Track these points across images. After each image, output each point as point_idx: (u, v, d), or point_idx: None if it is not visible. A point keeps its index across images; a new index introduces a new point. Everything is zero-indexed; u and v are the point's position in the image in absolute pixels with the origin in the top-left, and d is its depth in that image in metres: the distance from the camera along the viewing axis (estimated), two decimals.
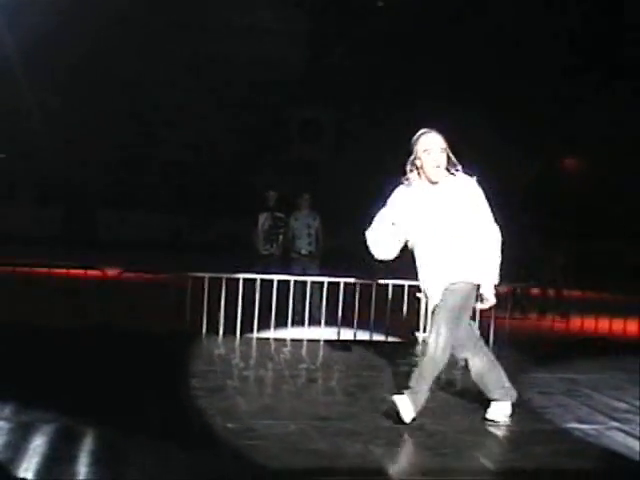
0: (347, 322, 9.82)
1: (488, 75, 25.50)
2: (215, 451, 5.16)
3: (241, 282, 9.50)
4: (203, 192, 27.83)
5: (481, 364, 6.08)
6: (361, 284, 9.86)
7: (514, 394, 6.17)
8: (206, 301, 9.42)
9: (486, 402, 6.17)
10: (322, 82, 26.75)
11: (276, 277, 9.71)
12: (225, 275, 9.55)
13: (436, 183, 5.88)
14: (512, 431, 5.95)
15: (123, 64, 26.01)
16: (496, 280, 5.89)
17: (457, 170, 5.91)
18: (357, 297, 9.81)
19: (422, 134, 5.92)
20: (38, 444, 4.95)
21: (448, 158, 5.88)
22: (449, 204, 5.82)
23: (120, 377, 7.12)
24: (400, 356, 8.86)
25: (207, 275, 9.55)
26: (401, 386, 7.28)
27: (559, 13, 25.42)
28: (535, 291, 14.82)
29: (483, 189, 5.96)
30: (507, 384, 6.15)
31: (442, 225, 5.83)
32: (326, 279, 9.97)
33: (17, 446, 4.88)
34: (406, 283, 9.78)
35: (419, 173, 5.93)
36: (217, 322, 9.40)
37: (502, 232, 5.90)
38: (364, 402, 6.53)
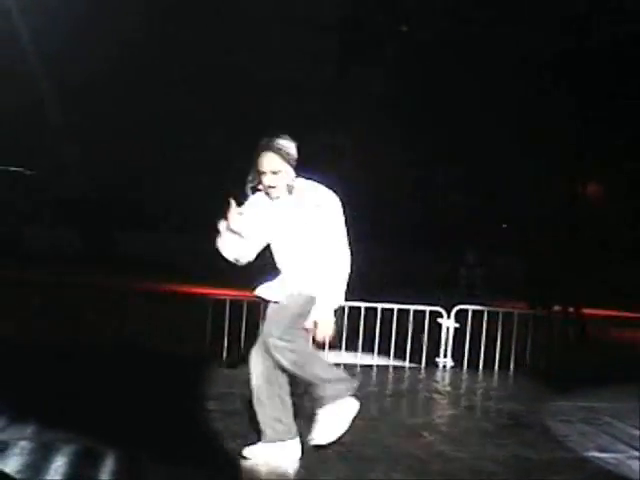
0: (367, 347, 9.80)
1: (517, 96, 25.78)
2: (232, 474, 5.18)
3: (262, 305, 9.43)
4: (220, 212, 27.93)
5: (261, 377, 5.53)
6: (382, 309, 9.85)
7: (284, 437, 5.52)
8: (227, 323, 9.41)
9: (501, 428, 6.13)
10: (345, 105, 26.89)
11: None
12: (247, 298, 9.53)
13: (278, 198, 5.62)
14: (531, 459, 5.93)
15: (142, 82, 26.26)
16: (334, 304, 5.56)
17: (306, 184, 5.62)
18: (378, 322, 9.80)
19: (260, 152, 5.57)
20: (59, 464, 5.00)
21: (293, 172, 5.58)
22: (288, 221, 5.56)
23: (138, 398, 7.15)
24: (420, 382, 8.88)
25: (228, 298, 9.56)
26: (420, 412, 7.28)
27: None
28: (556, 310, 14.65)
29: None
30: (283, 422, 5.54)
31: (281, 241, 5.63)
32: (347, 303, 9.92)
33: (38, 466, 4.94)
34: (427, 309, 9.80)
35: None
36: (239, 345, 9.38)
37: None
38: (384, 428, 6.52)
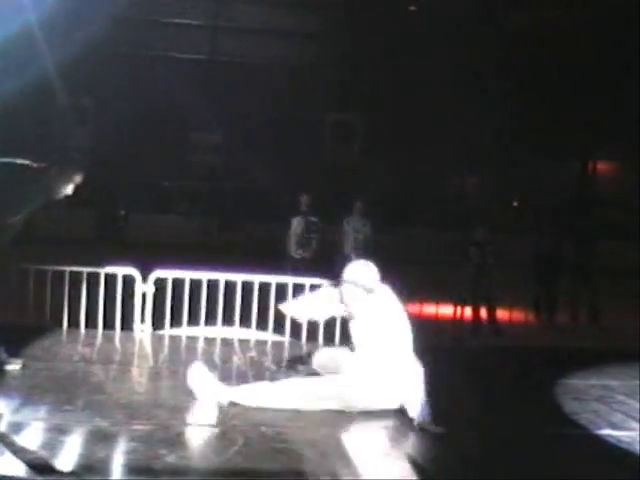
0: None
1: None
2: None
3: (274, 286, 9.39)
4: (233, 195, 27.85)
5: None
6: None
7: None
8: (239, 304, 9.35)
9: None
10: (354, 85, 26.81)
11: (309, 281, 9.61)
12: (258, 278, 9.48)
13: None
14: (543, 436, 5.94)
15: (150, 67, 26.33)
16: None
17: None
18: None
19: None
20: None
21: None
22: None
23: None
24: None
25: (240, 279, 9.50)
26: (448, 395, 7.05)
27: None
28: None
29: None
30: None
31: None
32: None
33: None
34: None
35: None
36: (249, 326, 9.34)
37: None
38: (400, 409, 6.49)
